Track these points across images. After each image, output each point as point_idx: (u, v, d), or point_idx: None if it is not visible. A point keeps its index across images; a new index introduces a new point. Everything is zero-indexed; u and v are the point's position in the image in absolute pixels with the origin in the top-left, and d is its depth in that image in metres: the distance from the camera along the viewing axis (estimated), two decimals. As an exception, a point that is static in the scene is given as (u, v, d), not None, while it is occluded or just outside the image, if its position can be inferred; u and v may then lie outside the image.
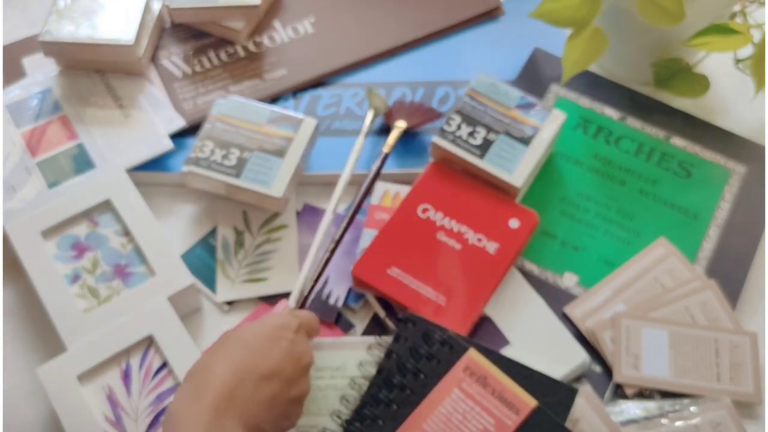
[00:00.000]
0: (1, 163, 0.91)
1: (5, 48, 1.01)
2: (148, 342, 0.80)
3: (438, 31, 1.02)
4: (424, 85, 0.99)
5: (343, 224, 0.86)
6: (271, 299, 0.86)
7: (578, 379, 0.81)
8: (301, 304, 0.82)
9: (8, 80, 0.98)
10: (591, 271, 0.86)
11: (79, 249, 0.85)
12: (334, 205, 0.87)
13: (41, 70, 0.98)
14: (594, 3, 0.85)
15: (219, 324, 0.85)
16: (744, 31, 0.86)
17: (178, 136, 0.94)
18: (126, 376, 0.79)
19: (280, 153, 0.89)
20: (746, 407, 0.79)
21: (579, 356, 0.80)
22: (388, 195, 0.89)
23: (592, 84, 0.97)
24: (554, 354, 0.80)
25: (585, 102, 0.96)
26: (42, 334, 0.85)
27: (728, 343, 0.81)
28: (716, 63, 0.97)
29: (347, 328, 0.84)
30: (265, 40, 1.01)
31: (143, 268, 0.85)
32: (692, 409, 0.78)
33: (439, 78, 0.99)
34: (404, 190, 0.89)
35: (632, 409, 0.78)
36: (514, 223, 0.85)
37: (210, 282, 0.87)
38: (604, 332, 0.82)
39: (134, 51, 0.95)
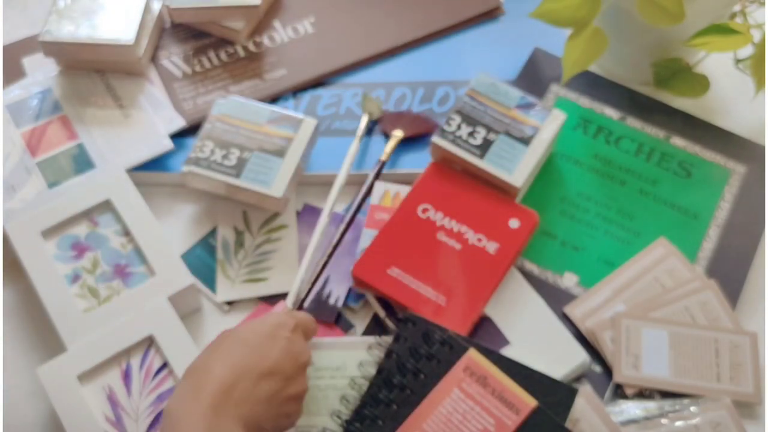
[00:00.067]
0: (1, 163, 0.91)
1: (5, 48, 1.01)
2: (149, 342, 0.80)
3: (438, 31, 1.02)
4: (424, 85, 0.99)
5: (340, 230, 0.86)
6: (271, 299, 0.86)
7: (578, 379, 0.81)
8: (299, 306, 0.83)
9: (8, 80, 0.98)
10: (591, 271, 0.86)
11: (79, 249, 0.85)
12: (330, 207, 0.87)
13: (41, 70, 0.98)
14: (594, 3, 0.85)
15: (219, 324, 0.85)
16: (744, 31, 0.86)
17: (178, 136, 0.94)
18: (126, 376, 0.79)
19: (280, 153, 0.89)
20: (746, 407, 0.79)
21: (579, 356, 0.80)
22: (388, 195, 0.89)
23: (592, 84, 0.97)
24: (554, 354, 0.80)
25: (585, 102, 0.96)
26: (42, 334, 0.85)
27: (728, 343, 0.81)
28: (716, 63, 0.97)
29: (347, 328, 0.84)
30: (265, 40, 1.01)
31: (143, 268, 0.85)
32: (692, 409, 0.78)
33: (439, 78, 0.99)
34: (404, 190, 0.89)
35: (632, 409, 0.78)
36: (514, 223, 0.85)
37: (210, 282, 0.87)
38: (604, 332, 0.82)
39: (134, 51, 0.95)
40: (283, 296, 0.84)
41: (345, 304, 0.85)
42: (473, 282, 0.82)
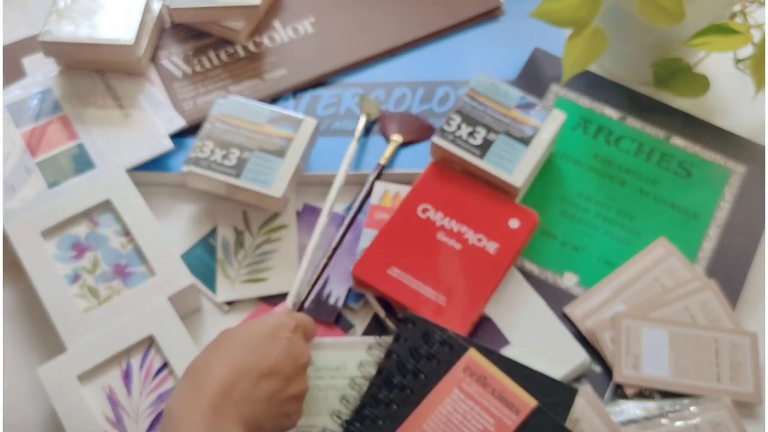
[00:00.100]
0: (1, 163, 0.91)
1: (5, 48, 1.01)
2: (149, 342, 0.80)
3: (438, 31, 1.02)
4: (424, 85, 0.99)
5: (339, 233, 0.86)
6: (271, 299, 0.86)
7: (578, 379, 0.81)
8: (299, 307, 0.83)
9: (8, 80, 0.98)
10: (591, 271, 0.86)
11: (79, 249, 0.85)
12: (329, 209, 0.87)
13: (41, 70, 0.98)
14: (594, 3, 0.85)
15: (219, 324, 0.85)
16: (744, 31, 0.86)
17: (178, 136, 0.94)
18: (126, 376, 0.79)
19: (280, 153, 0.89)
20: (746, 407, 0.79)
21: (579, 356, 0.80)
22: (388, 195, 0.89)
23: (592, 84, 0.97)
24: (554, 354, 0.80)
25: (585, 102, 0.96)
26: (42, 334, 0.85)
27: (728, 343, 0.81)
28: (716, 63, 0.97)
29: (347, 328, 0.84)
30: (265, 40, 1.01)
31: (143, 268, 0.85)
32: (692, 409, 0.78)
33: (439, 78, 0.99)
34: (404, 190, 0.89)
35: (632, 409, 0.78)
36: (514, 223, 0.85)
37: (210, 282, 0.87)
38: (604, 332, 0.82)
39: (134, 51, 0.95)
40: (283, 296, 0.84)
41: (345, 304, 0.85)
42: (473, 282, 0.82)
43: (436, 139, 0.88)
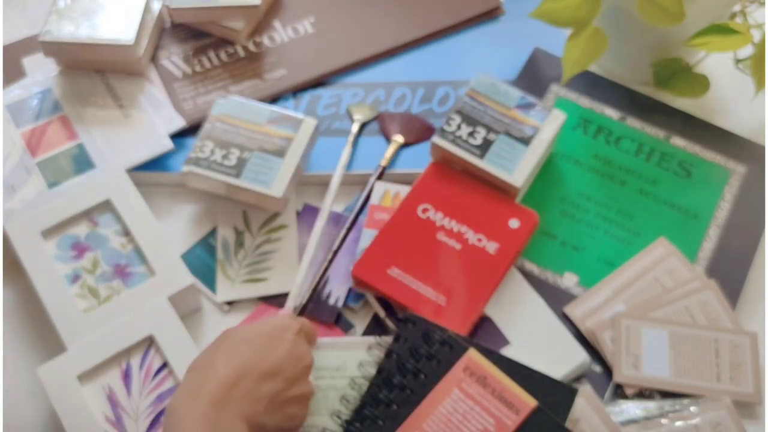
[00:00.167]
0: (1, 163, 0.91)
1: (5, 48, 1.01)
2: (149, 342, 0.80)
3: (438, 31, 1.02)
4: (424, 85, 0.99)
5: (339, 236, 0.86)
6: (271, 299, 0.86)
7: (578, 379, 0.81)
8: (300, 312, 0.83)
9: (8, 80, 0.98)
10: (591, 271, 0.86)
11: (79, 249, 0.85)
12: (327, 213, 0.87)
13: (41, 70, 0.98)
14: (594, 3, 0.85)
15: (219, 324, 0.85)
16: (744, 31, 0.86)
17: (178, 136, 0.94)
18: (126, 376, 0.79)
19: (280, 153, 0.89)
20: (746, 407, 0.79)
21: (579, 356, 0.80)
22: (388, 195, 0.89)
23: (592, 84, 0.97)
24: (554, 354, 0.80)
25: (585, 102, 0.96)
26: (42, 334, 0.85)
27: (728, 343, 0.81)
28: (716, 63, 0.97)
29: (347, 328, 0.84)
30: (265, 40, 1.01)
31: (143, 268, 0.85)
32: (692, 409, 0.78)
33: (439, 78, 0.99)
34: (404, 190, 0.89)
35: (632, 409, 0.78)
36: (514, 223, 0.85)
37: (210, 282, 0.87)
38: (604, 332, 0.82)
39: (134, 51, 0.95)
40: (283, 296, 0.85)
41: (345, 304, 0.85)
42: (473, 282, 0.82)
43: (436, 139, 0.88)
